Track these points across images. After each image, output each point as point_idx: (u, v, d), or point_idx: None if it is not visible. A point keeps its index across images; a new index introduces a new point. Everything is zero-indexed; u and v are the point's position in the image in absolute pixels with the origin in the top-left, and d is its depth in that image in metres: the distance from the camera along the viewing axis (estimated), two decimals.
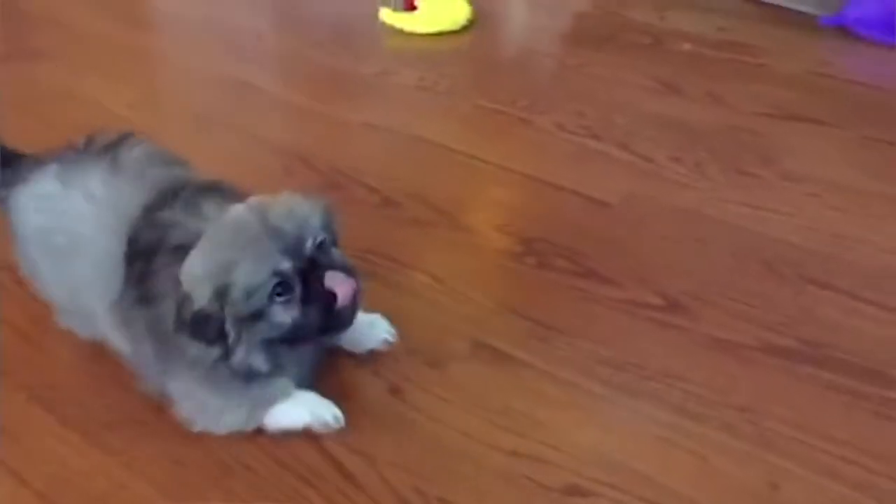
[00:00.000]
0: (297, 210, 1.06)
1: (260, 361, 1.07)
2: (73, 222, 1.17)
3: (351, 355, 1.27)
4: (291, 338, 1.07)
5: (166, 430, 1.15)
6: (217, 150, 1.82)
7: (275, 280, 1.02)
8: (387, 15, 2.44)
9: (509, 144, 1.86)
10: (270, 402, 1.13)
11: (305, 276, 1.03)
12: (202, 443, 1.13)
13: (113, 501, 1.06)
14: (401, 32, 2.42)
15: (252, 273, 1.01)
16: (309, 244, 1.04)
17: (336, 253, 1.09)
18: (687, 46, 2.28)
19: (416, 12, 2.42)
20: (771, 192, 1.65)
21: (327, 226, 1.09)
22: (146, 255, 1.09)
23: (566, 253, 1.49)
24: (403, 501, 1.06)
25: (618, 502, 1.05)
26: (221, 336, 1.04)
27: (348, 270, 1.07)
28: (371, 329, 1.27)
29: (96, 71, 2.25)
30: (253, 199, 1.08)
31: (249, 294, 1.02)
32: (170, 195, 1.13)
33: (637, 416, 1.18)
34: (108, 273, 1.11)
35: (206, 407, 1.12)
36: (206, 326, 1.02)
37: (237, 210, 1.06)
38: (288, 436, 1.13)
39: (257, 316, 1.03)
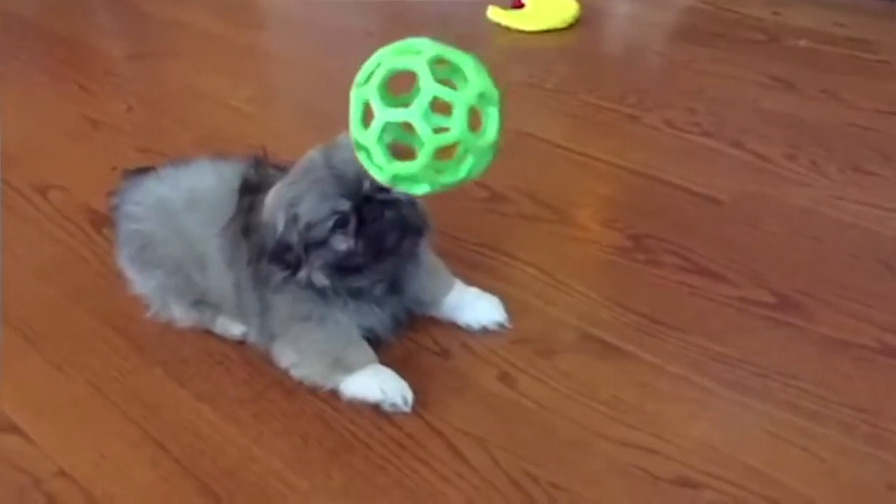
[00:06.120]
0: None
1: (321, 279, 1.19)
2: (193, 182, 1.32)
3: (463, 344, 1.31)
4: (347, 264, 1.18)
5: (291, 408, 1.22)
6: None
7: (334, 217, 1.15)
8: (494, 13, 2.47)
9: (617, 141, 1.86)
10: (350, 368, 1.21)
11: (361, 212, 1.15)
12: (324, 421, 1.19)
13: (243, 472, 1.13)
14: (508, 30, 2.45)
15: (315, 209, 1.15)
16: (367, 185, 1.15)
17: (395, 192, 1.16)
18: (803, 42, 2.23)
19: (523, 10, 2.45)
20: (890, 190, 1.61)
21: None
22: (254, 191, 1.24)
23: (676, 249, 1.49)
24: (515, 484, 1.09)
25: (728, 495, 1.06)
26: (298, 263, 1.17)
27: (406, 208, 1.18)
28: (487, 308, 1.34)
29: (216, 68, 2.36)
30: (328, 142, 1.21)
31: (312, 226, 1.16)
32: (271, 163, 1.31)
33: (748, 411, 1.18)
34: (222, 206, 1.25)
35: (295, 342, 1.23)
36: (285, 254, 1.17)
37: (310, 152, 1.19)
38: (403, 417, 1.18)
39: (320, 243, 1.17)
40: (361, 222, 1.16)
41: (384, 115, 0.96)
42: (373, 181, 1.14)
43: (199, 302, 1.33)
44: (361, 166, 1.15)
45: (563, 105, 2.04)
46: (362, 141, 1.01)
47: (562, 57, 2.30)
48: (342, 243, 1.16)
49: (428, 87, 0.94)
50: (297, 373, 1.23)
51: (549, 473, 1.10)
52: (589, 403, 1.20)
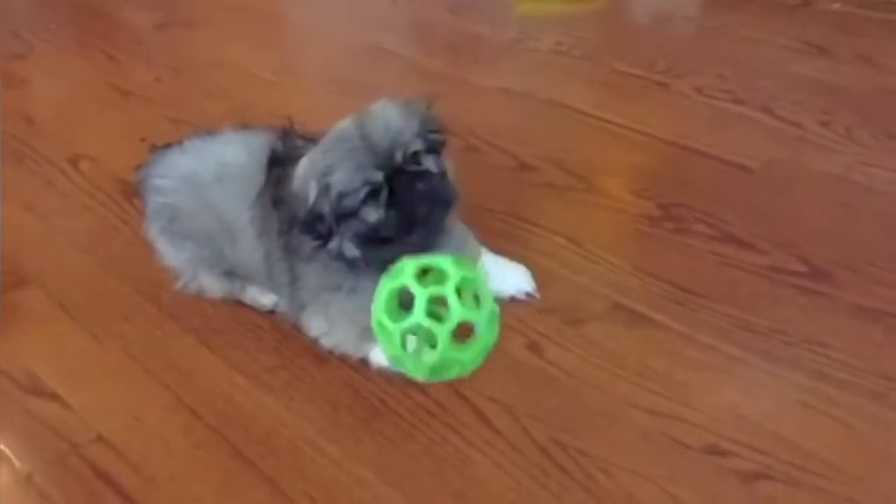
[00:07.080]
0: (393, 123, 1.16)
1: (351, 250, 1.20)
2: (221, 155, 1.33)
3: None
4: (377, 235, 1.18)
5: (322, 375, 1.23)
6: None
7: (366, 189, 1.14)
8: None
9: (646, 108, 1.85)
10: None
11: (393, 184, 1.15)
12: (353, 388, 1.21)
13: (275, 437, 1.14)
14: None
15: (348, 180, 1.15)
16: (399, 156, 1.15)
17: (430, 159, 1.17)
18: (837, 6, 2.18)
19: None
20: None
21: (424, 132, 1.18)
22: (283, 163, 1.24)
23: (705, 218, 1.48)
24: (543, 451, 1.10)
25: (757, 463, 1.06)
26: (329, 234, 1.18)
27: (436, 180, 1.17)
28: (515, 278, 1.34)
29: (242, 38, 2.36)
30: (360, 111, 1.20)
31: (344, 196, 1.15)
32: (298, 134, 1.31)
33: (778, 380, 1.17)
34: (251, 178, 1.26)
35: (324, 312, 1.24)
36: (317, 224, 1.18)
37: (342, 121, 1.18)
38: (433, 385, 1.19)
39: (351, 214, 1.17)
40: (392, 193, 1.15)
41: (397, 327, 1.09)
42: (405, 152, 1.15)
43: (229, 273, 1.35)
44: (393, 136, 1.15)
45: (592, 73, 2.02)
46: (393, 354, 1.13)
47: (589, 24, 2.28)
48: (373, 214, 1.16)
49: (420, 293, 1.07)
50: (326, 342, 1.25)
51: (578, 441, 1.11)
52: (617, 372, 1.21)
